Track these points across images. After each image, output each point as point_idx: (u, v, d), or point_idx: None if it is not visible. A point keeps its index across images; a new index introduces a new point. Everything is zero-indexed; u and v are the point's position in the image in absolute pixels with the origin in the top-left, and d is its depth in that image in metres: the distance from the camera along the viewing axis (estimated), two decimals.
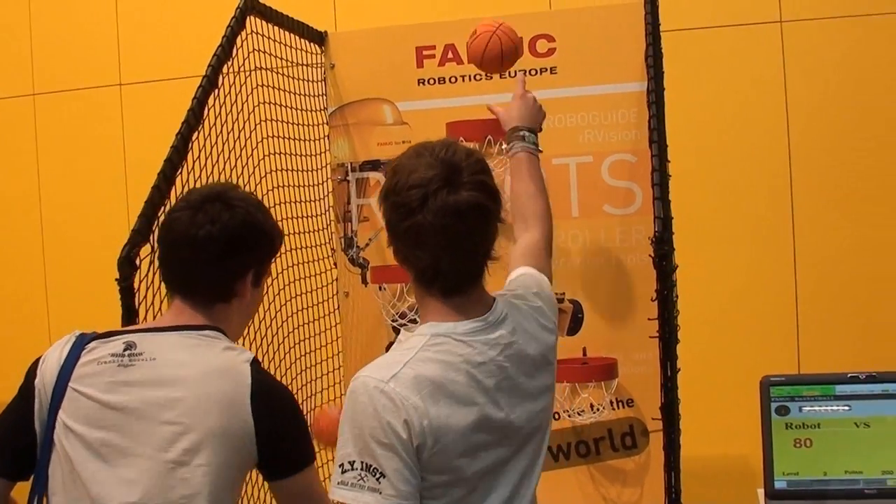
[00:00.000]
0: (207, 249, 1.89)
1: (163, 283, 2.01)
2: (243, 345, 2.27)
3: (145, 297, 2.17)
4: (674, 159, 2.59)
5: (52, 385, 1.84)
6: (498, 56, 2.73)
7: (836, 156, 3.60)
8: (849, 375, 2.66)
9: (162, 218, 2.04)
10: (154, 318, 2.18)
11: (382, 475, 1.63)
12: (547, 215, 2.16)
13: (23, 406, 1.86)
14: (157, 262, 2.00)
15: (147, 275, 2.15)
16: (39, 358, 1.90)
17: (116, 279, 2.12)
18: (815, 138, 3.62)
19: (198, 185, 2.41)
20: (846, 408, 2.65)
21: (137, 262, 2.12)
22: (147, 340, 1.87)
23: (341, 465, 1.67)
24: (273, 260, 2.09)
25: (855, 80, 3.61)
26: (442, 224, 1.70)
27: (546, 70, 2.94)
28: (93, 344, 1.88)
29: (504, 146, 2.31)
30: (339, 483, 1.66)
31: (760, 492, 2.61)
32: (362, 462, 1.64)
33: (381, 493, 1.63)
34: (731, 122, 3.65)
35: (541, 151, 2.26)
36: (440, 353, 1.72)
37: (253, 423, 1.82)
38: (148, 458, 1.78)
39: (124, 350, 1.85)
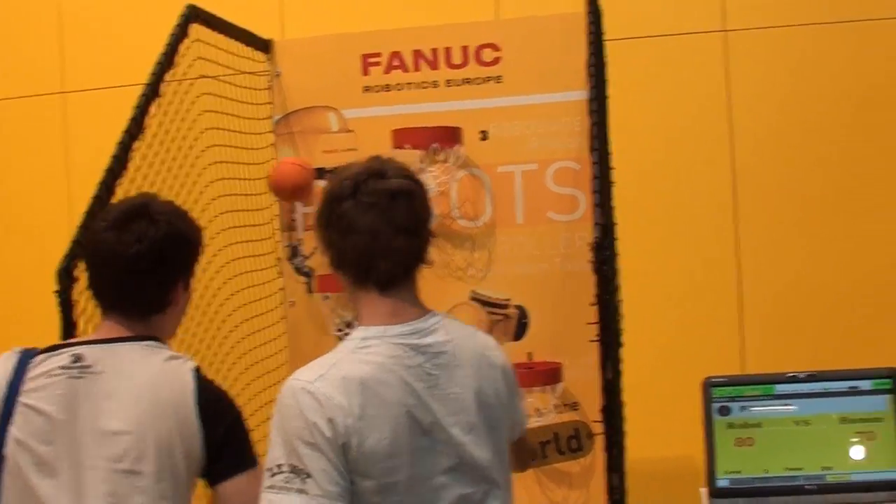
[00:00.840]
0: (138, 268, 1.93)
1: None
2: (192, 357, 2.29)
3: (84, 308, 2.16)
4: (619, 166, 2.62)
5: (2, 400, 1.86)
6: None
7: (780, 162, 3.64)
8: (788, 375, 2.72)
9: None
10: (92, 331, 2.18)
11: (308, 475, 1.65)
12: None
13: None
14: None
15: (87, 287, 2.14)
16: None
17: (55, 291, 2.11)
18: (759, 146, 3.66)
19: None
20: (787, 407, 2.70)
21: (76, 273, 2.12)
22: (93, 352, 1.89)
23: (269, 470, 1.69)
24: (199, 259, 2.13)
25: (799, 89, 3.65)
26: (373, 202, 1.79)
27: (491, 79, 2.97)
28: (39, 357, 1.90)
29: None
30: (267, 487, 1.68)
31: (703, 491, 2.66)
32: (290, 464, 1.67)
33: (307, 493, 1.65)
34: (676, 129, 3.69)
35: None
36: (370, 355, 1.76)
37: (200, 428, 1.87)
38: (101, 470, 1.80)
39: (73, 362, 1.87)
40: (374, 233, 1.79)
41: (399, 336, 1.79)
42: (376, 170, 1.83)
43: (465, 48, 2.99)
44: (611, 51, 2.78)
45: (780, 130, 3.65)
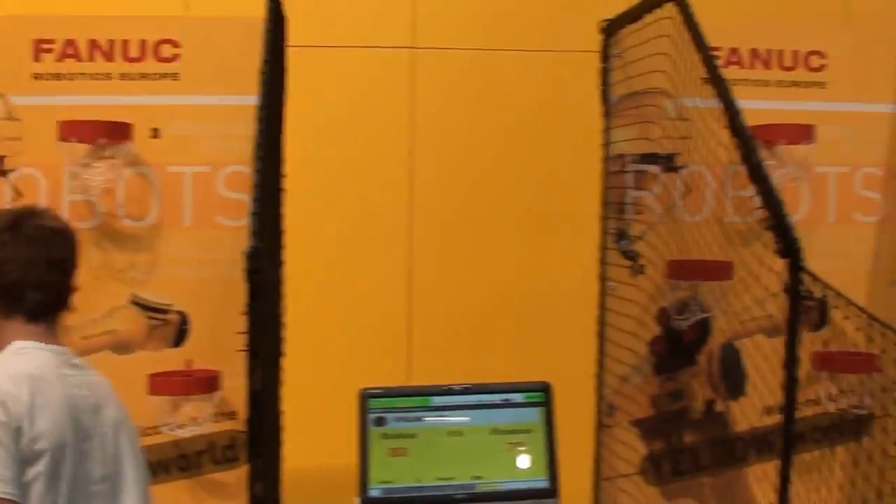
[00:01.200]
0: None
1: None
2: None
3: None
4: (294, 174, 2.62)
5: None
6: None
7: (456, 181, 3.76)
8: (444, 387, 2.82)
9: None
10: None
11: None
12: None
13: None
14: None
15: None
16: None
17: None
18: (438, 163, 3.77)
19: None
20: (441, 418, 2.79)
21: None
22: None
23: None
24: None
25: (481, 109, 3.79)
26: (33, 236, 1.91)
27: (168, 76, 2.90)
28: None
29: None
30: None
31: (356, 500, 2.70)
32: None
33: None
34: (358, 140, 3.72)
35: None
36: (31, 359, 1.85)
37: None
38: None
39: None
40: (28, 265, 1.87)
41: (52, 350, 1.90)
42: (36, 211, 1.99)
43: (143, 42, 2.90)
44: (296, 58, 2.78)
45: (460, 149, 3.79)
